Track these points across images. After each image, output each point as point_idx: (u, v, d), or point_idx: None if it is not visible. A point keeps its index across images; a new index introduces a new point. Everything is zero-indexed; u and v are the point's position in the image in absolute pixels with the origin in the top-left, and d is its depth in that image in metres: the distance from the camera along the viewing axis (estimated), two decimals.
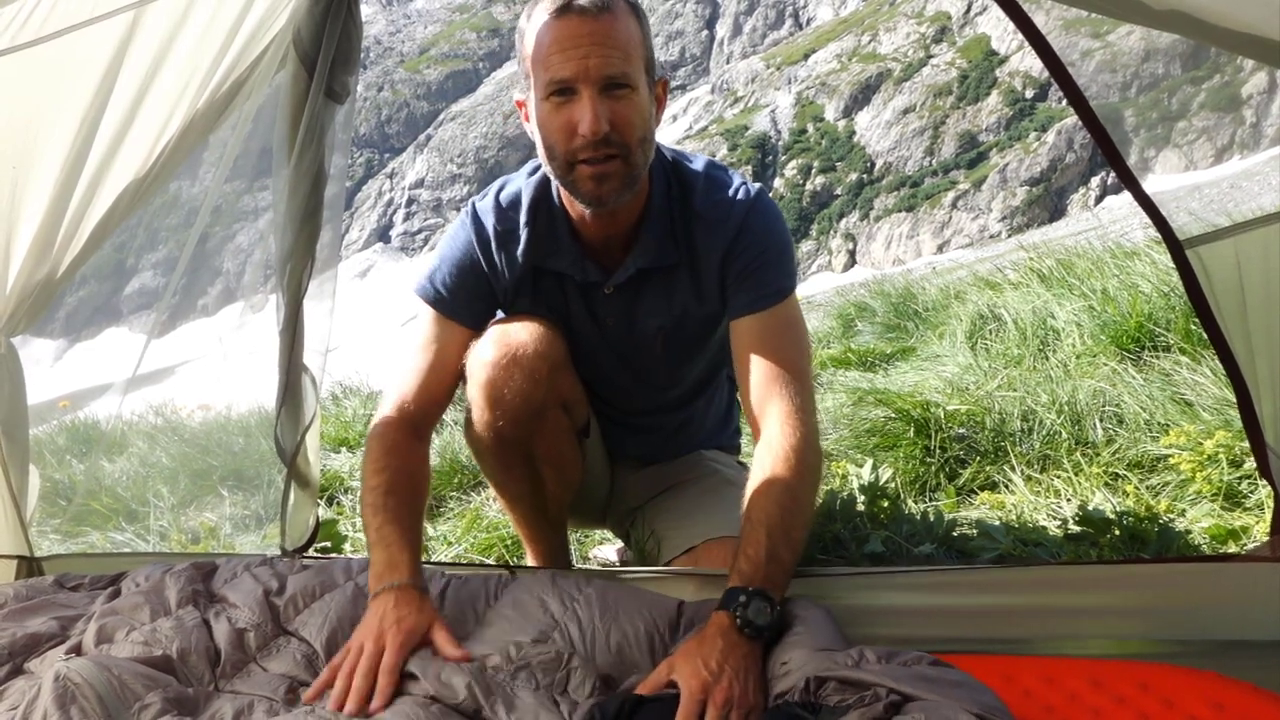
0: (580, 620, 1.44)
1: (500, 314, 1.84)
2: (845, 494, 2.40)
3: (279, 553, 2.20)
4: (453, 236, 1.82)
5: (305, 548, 2.25)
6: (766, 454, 1.53)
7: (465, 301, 1.77)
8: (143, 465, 4.38)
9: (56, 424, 5.89)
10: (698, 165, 1.76)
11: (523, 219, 1.73)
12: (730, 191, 1.71)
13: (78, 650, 1.52)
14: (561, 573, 1.59)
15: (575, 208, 1.68)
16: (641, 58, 1.53)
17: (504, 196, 1.78)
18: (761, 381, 1.60)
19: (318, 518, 2.28)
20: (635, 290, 1.76)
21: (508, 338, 1.71)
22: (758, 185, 1.75)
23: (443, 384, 1.75)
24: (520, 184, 1.77)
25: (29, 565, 2.31)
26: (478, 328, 1.77)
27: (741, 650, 1.31)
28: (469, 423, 1.81)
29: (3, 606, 1.78)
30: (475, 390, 1.73)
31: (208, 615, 1.57)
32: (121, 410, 5.99)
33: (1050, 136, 70.49)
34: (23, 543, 2.31)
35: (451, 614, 1.52)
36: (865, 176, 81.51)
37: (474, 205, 1.81)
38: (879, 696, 1.13)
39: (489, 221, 1.77)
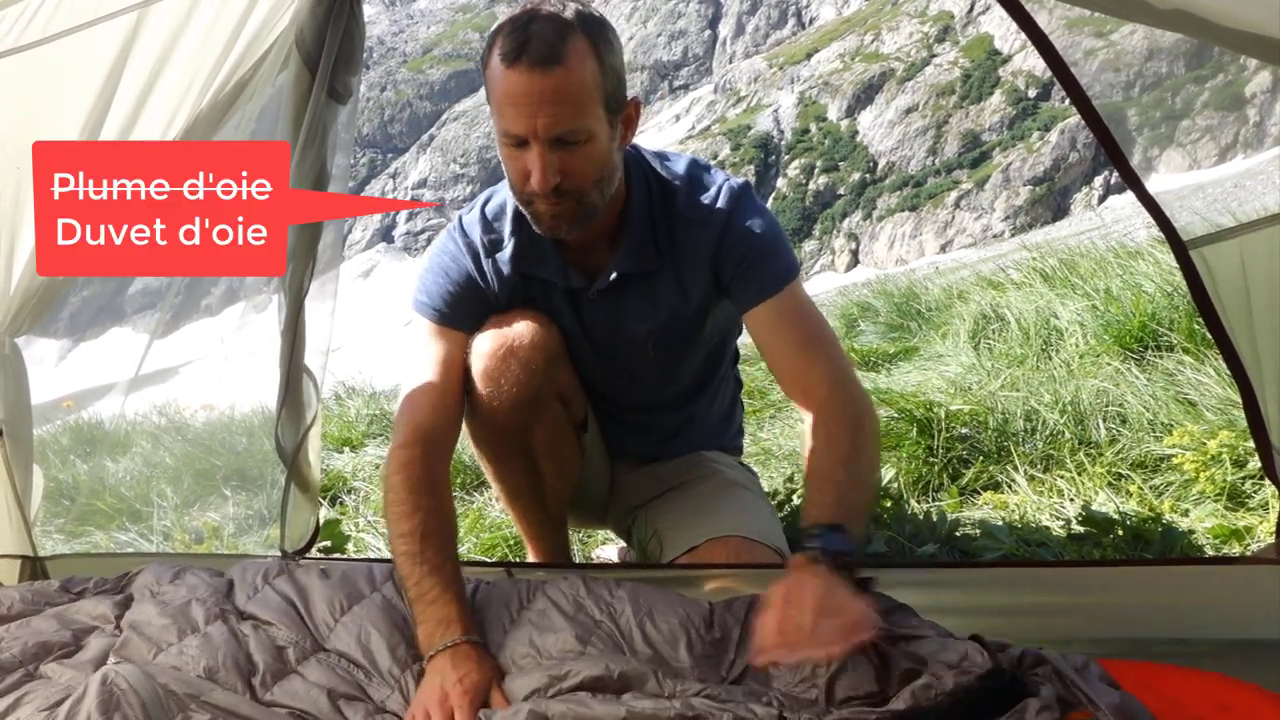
0: (619, 624, 1.43)
1: None
2: None
3: (279, 554, 2.20)
4: (441, 250, 1.82)
5: (305, 549, 2.25)
6: (818, 419, 1.53)
7: (464, 311, 1.78)
8: (146, 465, 4.39)
9: (60, 424, 5.91)
10: (679, 167, 1.75)
11: (507, 229, 1.75)
12: (712, 191, 1.71)
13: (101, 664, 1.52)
14: (591, 575, 1.57)
15: None
16: (599, 100, 1.49)
17: (489, 209, 1.79)
18: (794, 356, 1.62)
19: (318, 519, 2.29)
20: (619, 295, 1.77)
21: (504, 330, 1.73)
22: (740, 181, 1.74)
23: (455, 398, 1.75)
24: (505, 194, 1.77)
25: (33, 565, 2.32)
26: (472, 333, 1.78)
27: (821, 576, 1.24)
28: (469, 415, 1.82)
29: (8, 610, 1.78)
30: (474, 381, 1.74)
31: (241, 632, 1.56)
32: (125, 410, 6.00)
33: (1053, 136, 70.38)
34: (26, 542, 2.32)
35: (484, 620, 1.50)
36: (868, 176, 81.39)
37: (460, 219, 1.82)
38: (1070, 703, 1.08)
39: (475, 235, 1.78)
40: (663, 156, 1.78)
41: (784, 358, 1.63)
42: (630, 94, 1.60)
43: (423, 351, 1.77)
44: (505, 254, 1.76)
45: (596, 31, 1.49)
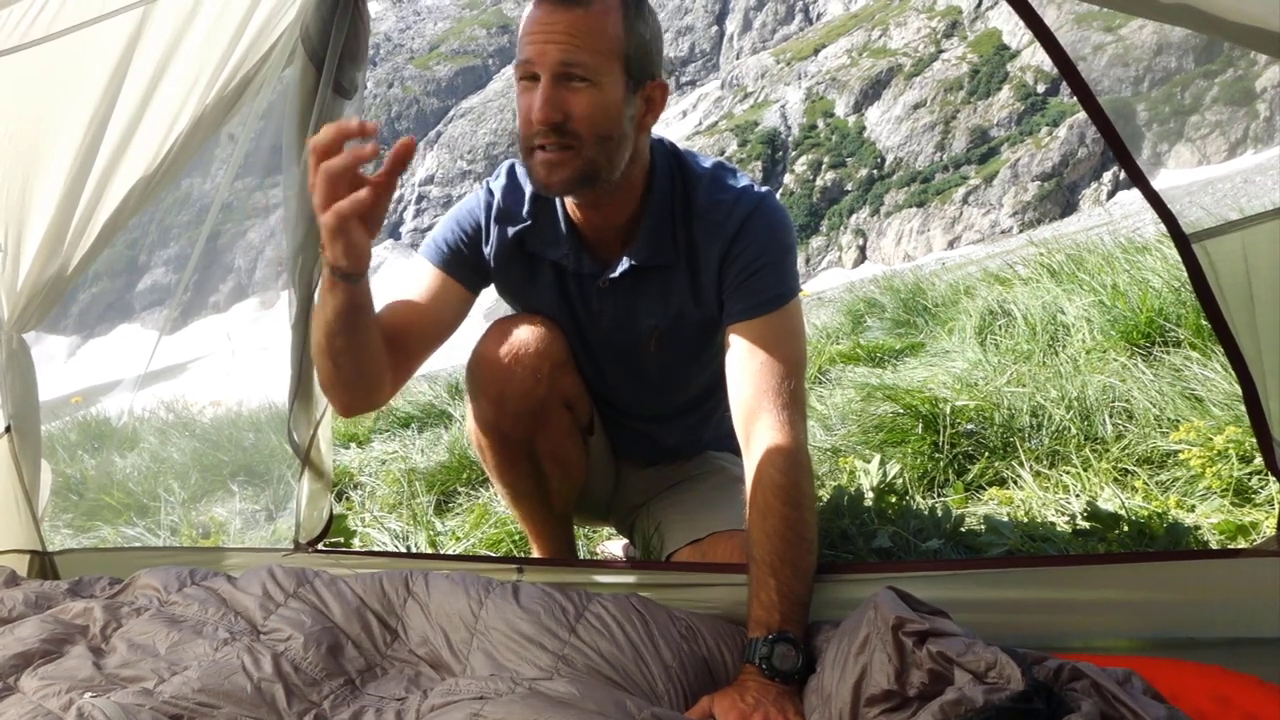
0: (664, 658, 1.44)
1: (492, 288, 1.84)
2: (853, 489, 2.40)
3: (292, 546, 2.21)
4: (465, 203, 1.83)
5: (318, 540, 2.26)
6: (758, 485, 1.52)
7: (462, 257, 1.77)
8: (154, 461, 4.42)
9: (69, 420, 5.93)
10: (705, 165, 1.74)
11: (526, 205, 1.74)
12: (734, 192, 1.68)
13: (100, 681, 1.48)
14: (639, 598, 1.56)
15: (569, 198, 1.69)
16: (617, 53, 1.51)
17: (520, 174, 1.78)
18: (750, 393, 1.58)
19: (332, 509, 2.30)
20: (631, 287, 1.74)
21: (509, 336, 1.72)
22: (765, 188, 1.72)
23: (423, 320, 1.71)
24: None
25: (41, 560, 2.34)
26: (470, 289, 1.77)
27: (775, 691, 1.34)
28: (473, 420, 1.82)
29: (9, 612, 1.78)
30: (477, 389, 1.74)
31: (256, 653, 1.51)
32: (133, 406, 6.03)
33: (1062, 131, 70.12)
34: (35, 537, 2.33)
35: (544, 623, 1.49)
36: (876, 172, 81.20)
37: (489, 181, 1.82)
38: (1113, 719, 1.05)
39: (499, 194, 1.77)
40: (691, 154, 1.76)
41: (740, 388, 1.61)
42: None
43: (411, 281, 1.77)
44: (516, 225, 1.74)
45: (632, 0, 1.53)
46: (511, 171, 1.79)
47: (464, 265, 1.77)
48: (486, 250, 1.78)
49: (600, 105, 1.51)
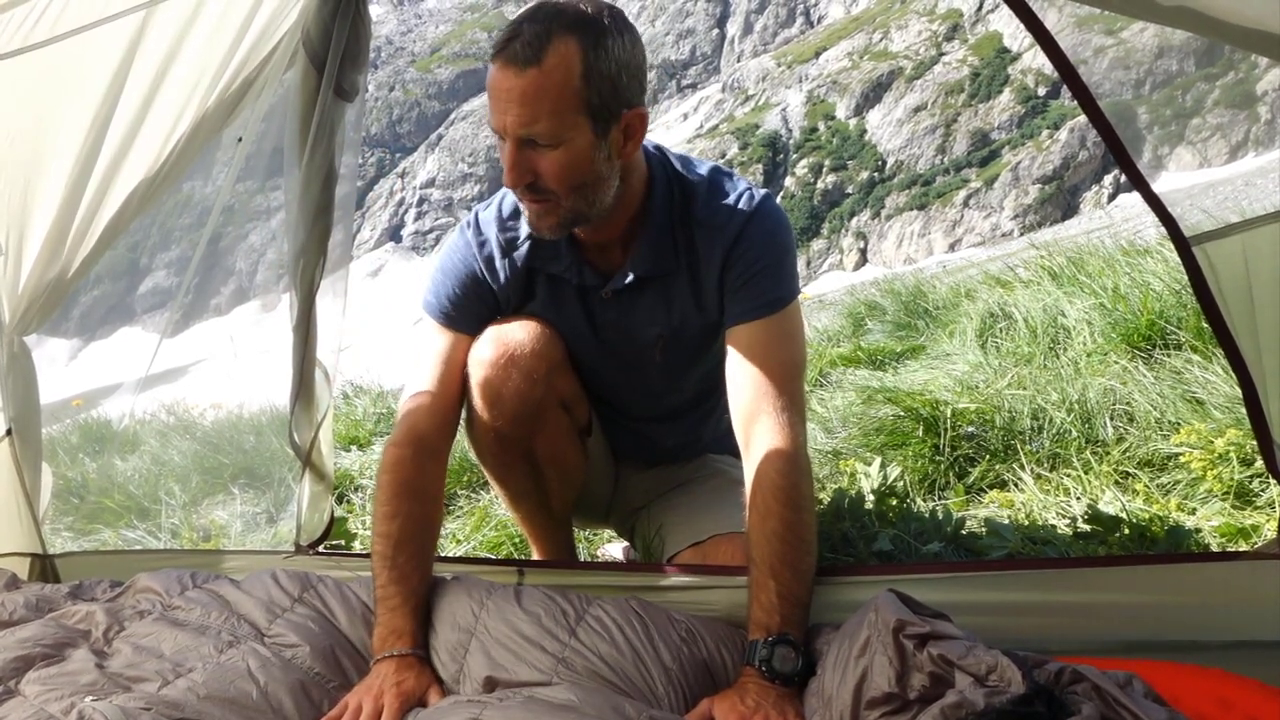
0: (663, 660, 1.44)
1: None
2: (854, 492, 2.40)
3: (293, 549, 2.21)
4: (453, 248, 1.82)
5: (319, 542, 2.26)
6: (757, 488, 1.53)
7: (470, 312, 1.79)
8: (155, 463, 4.41)
9: (70, 422, 5.93)
10: (702, 171, 1.74)
11: (524, 226, 1.73)
12: (732, 198, 1.69)
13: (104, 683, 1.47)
14: (639, 601, 1.56)
15: None
16: (578, 108, 1.46)
17: (506, 206, 1.78)
18: (750, 396, 1.60)
19: (333, 511, 2.30)
20: (634, 296, 1.75)
21: (505, 337, 1.72)
22: (763, 192, 1.72)
23: (454, 397, 1.76)
24: None
25: (42, 563, 2.34)
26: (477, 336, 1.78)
27: (775, 693, 1.34)
28: (470, 422, 1.82)
29: (10, 615, 1.78)
30: (474, 390, 1.74)
31: (263, 657, 1.51)
32: (134, 409, 6.03)
33: (1063, 134, 70.04)
34: (36, 540, 2.33)
35: (544, 625, 1.50)
36: (877, 175, 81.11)
37: (477, 215, 1.82)
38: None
39: (491, 233, 1.78)
40: (687, 161, 1.76)
41: (739, 390, 1.62)
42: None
43: (427, 351, 1.78)
44: (521, 251, 1.75)
45: (592, 37, 1.45)
46: (501, 205, 1.80)
47: (472, 315, 1.79)
48: (498, 288, 1.79)
49: (567, 162, 1.50)
